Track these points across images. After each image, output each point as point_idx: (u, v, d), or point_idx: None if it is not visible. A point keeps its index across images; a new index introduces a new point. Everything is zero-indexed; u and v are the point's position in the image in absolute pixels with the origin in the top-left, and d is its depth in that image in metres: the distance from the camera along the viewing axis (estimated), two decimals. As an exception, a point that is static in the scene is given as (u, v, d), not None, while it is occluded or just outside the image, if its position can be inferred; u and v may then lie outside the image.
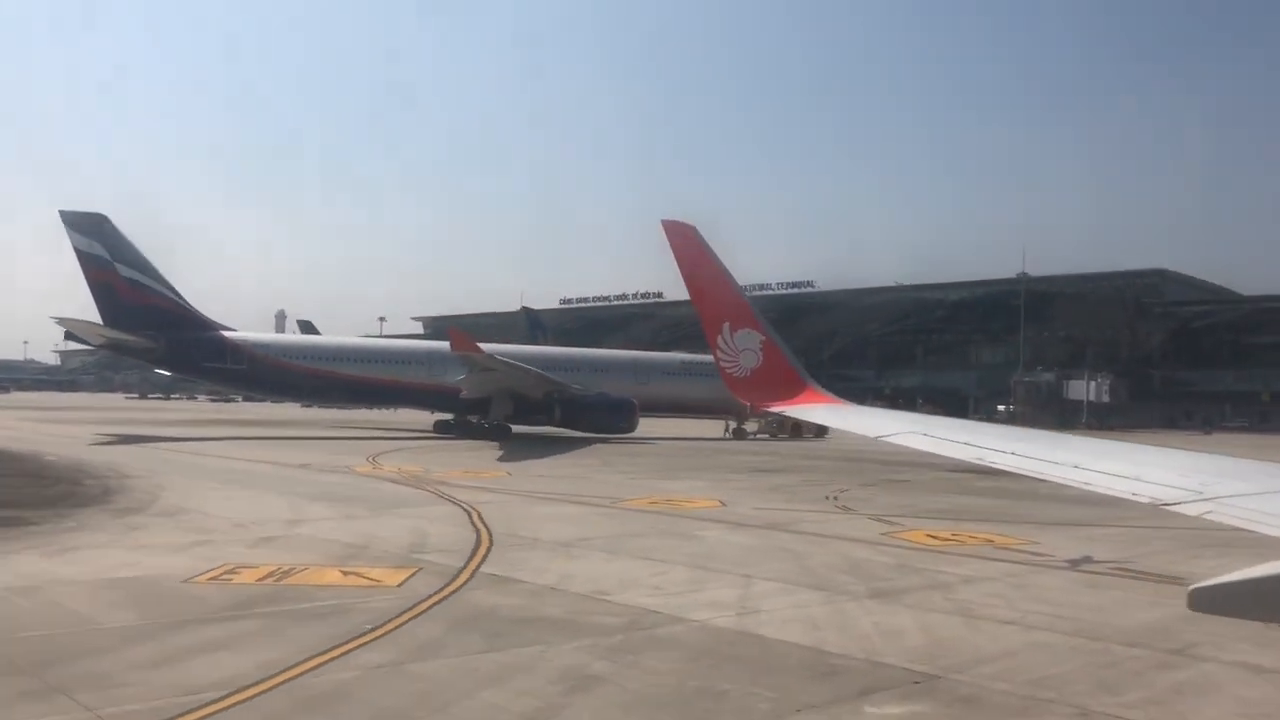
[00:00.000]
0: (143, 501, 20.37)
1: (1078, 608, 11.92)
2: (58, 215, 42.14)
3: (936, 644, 9.96)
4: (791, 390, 9.59)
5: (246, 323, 62.31)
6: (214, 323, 46.52)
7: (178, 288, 44.98)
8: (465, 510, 19.68)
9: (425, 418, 54.00)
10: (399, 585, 12.10)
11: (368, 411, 74.93)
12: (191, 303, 45.78)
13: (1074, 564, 15.11)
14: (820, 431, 55.04)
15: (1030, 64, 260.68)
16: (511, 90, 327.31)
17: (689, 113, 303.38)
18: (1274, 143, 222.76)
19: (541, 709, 7.58)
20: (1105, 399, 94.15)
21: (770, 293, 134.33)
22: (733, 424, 53.38)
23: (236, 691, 7.63)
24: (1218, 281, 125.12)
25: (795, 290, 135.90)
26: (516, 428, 46.43)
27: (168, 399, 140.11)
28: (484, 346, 43.86)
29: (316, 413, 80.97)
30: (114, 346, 47.78)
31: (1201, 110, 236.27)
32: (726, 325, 9.79)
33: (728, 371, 9.77)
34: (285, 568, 13.04)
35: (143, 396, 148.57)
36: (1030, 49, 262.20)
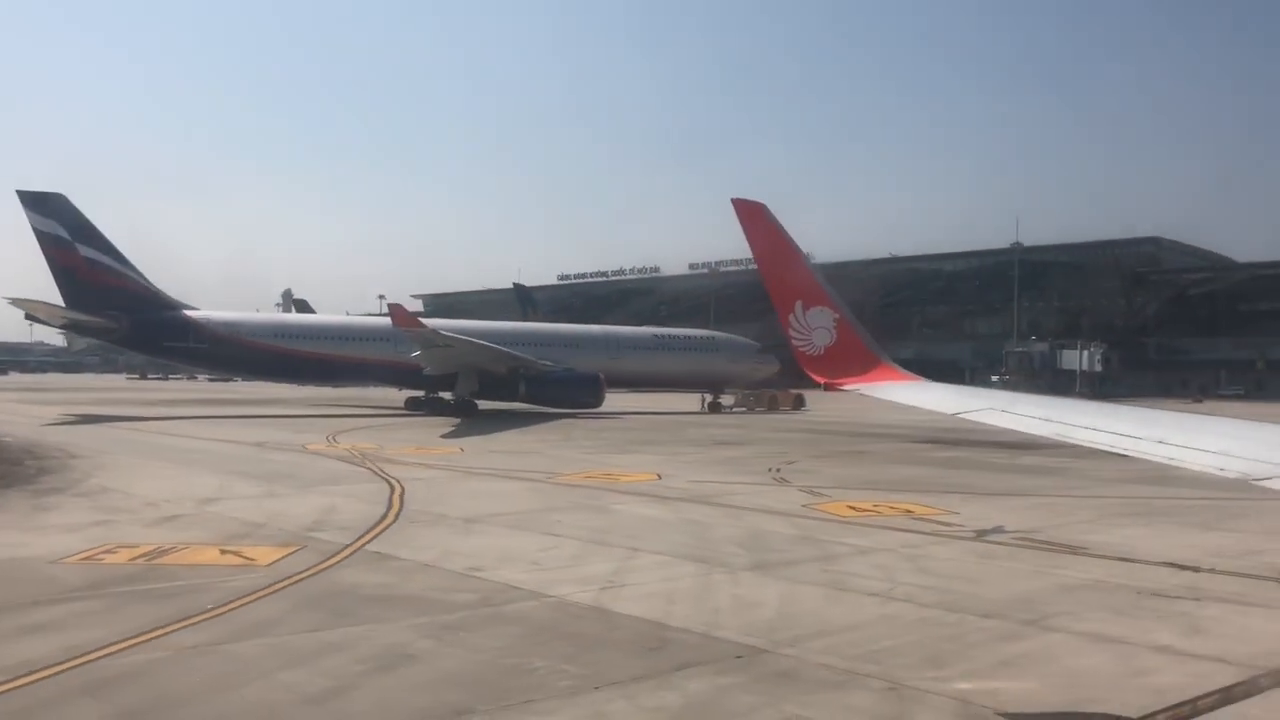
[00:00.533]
0: (70, 482, 20.27)
1: (956, 579, 11.73)
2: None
3: (786, 617, 9.79)
4: (866, 367, 9.47)
5: (252, 303, 62.33)
6: (176, 301, 46.24)
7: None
8: (392, 487, 19.54)
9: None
10: (270, 564, 11.95)
11: (362, 390, 74.68)
12: (153, 280, 45.53)
13: (980, 534, 14.91)
14: (798, 404, 54.89)
15: (1023, 32, 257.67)
16: (511, 68, 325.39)
17: (683, 88, 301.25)
18: (1268, 108, 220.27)
19: (332, 689, 7.43)
20: (1098, 369, 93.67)
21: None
22: (709, 397, 53.16)
23: (22, 676, 7.48)
24: (1214, 248, 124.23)
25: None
26: (485, 404, 46.24)
27: (167, 380, 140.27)
28: (446, 323, 43.48)
29: (309, 391, 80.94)
30: (75, 327, 47.64)
31: (1195, 76, 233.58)
32: (799, 303, 9.66)
33: (800, 349, 9.63)
34: (165, 547, 12.91)
35: (143, 377, 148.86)
36: (1023, 18, 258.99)
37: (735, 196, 9.74)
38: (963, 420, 7.75)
